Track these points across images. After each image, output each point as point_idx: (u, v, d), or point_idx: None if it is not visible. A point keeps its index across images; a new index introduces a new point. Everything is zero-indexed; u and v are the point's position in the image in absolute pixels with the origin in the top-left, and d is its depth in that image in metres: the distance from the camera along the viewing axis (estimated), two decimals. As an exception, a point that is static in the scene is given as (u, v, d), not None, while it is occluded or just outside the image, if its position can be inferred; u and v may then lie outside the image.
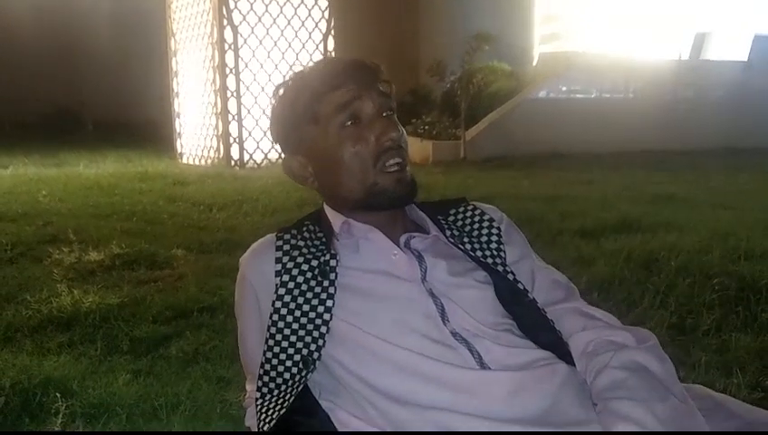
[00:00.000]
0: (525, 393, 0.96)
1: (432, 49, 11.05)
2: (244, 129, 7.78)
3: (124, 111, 10.88)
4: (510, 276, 1.12)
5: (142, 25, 10.51)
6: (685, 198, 5.32)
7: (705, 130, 8.97)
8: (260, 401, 1.04)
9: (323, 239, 1.11)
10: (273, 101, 1.16)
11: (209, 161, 8.05)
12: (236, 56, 7.69)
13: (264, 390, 1.04)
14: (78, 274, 3.16)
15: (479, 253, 1.14)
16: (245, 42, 7.75)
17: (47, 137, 9.73)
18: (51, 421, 1.77)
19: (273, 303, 1.05)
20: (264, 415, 1.02)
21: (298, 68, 1.16)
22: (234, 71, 7.72)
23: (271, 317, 1.04)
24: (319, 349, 1.02)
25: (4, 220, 4.29)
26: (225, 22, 7.63)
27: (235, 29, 7.67)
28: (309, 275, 1.06)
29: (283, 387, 1.03)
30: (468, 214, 1.21)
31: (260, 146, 7.89)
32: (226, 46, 7.65)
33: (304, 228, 1.14)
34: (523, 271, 1.16)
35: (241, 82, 7.73)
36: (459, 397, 0.96)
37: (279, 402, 1.02)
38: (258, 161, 7.83)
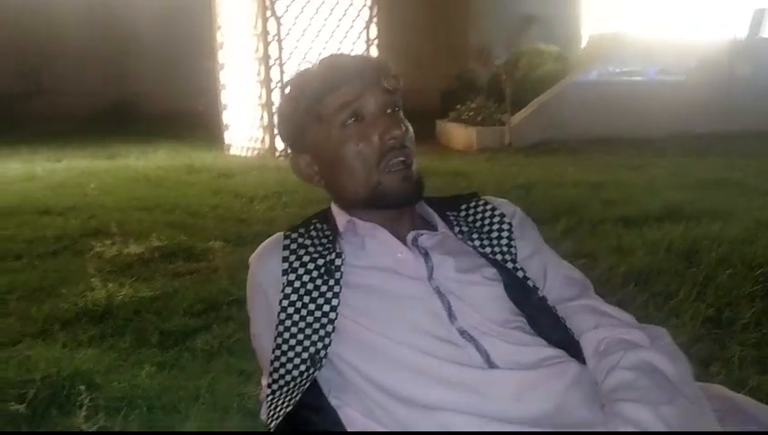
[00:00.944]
0: (532, 393, 0.96)
1: (480, 33, 10.90)
2: (288, 119, 7.84)
3: (177, 104, 11.10)
4: (520, 273, 1.11)
5: (192, 18, 10.68)
6: (735, 184, 5.12)
7: (763, 112, 8.56)
8: (270, 398, 1.06)
9: (330, 238, 1.12)
10: (280, 100, 1.17)
11: (255, 153, 8.15)
12: (280, 47, 7.75)
13: (275, 386, 1.06)
14: (117, 267, 3.26)
15: (488, 249, 1.13)
16: (289, 32, 7.80)
17: (103, 129, 10.02)
18: (75, 414, 1.84)
19: (281, 301, 1.06)
20: (272, 411, 1.04)
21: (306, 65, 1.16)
22: (278, 62, 7.79)
23: (278, 316, 1.05)
24: (325, 347, 1.02)
25: (51, 214, 4.44)
26: (269, 13, 7.68)
27: (278, 20, 7.72)
28: (315, 274, 1.06)
29: (292, 384, 1.04)
30: (480, 209, 1.20)
31: (304, 136, 7.94)
32: (270, 37, 7.71)
33: (312, 227, 1.15)
34: (534, 267, 1.14)
35: (285, 74, 7.78)
36: (465, 396, 0.95)
37: (287, 399, 1.03)
38: (302, 151, 7.89)
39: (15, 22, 12.15)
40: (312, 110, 1.09)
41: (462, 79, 10.88)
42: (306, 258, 1.08)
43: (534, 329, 1.06)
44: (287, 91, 1.14)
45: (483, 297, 1.06)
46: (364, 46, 8.15)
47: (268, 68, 7.74)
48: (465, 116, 8.81)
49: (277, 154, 7.82)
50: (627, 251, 3.38)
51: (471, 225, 1.17)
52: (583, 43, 11.12)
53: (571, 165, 6.60)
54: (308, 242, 1.11)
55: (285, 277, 1.07)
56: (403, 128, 1.07)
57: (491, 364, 0.99)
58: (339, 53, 1.20)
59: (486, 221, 1.17)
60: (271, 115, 7.83)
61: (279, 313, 1.05)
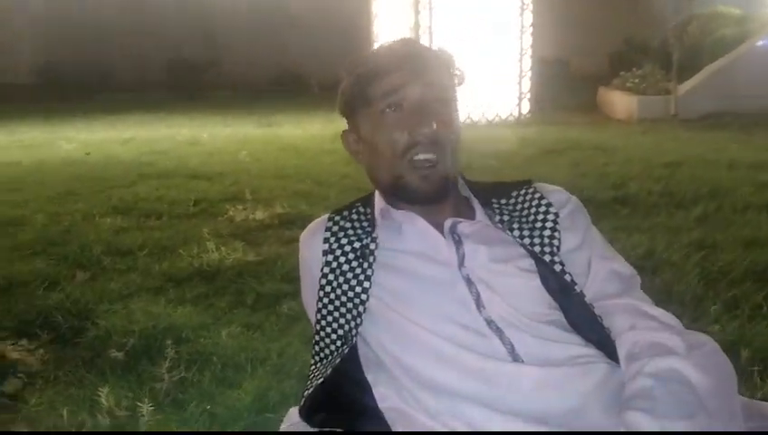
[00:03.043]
0: (550, 391, 0.95)
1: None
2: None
3: (336, 74, 11.55)
4: (557, 266, 1.08)
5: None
6: None
7: None
8: (312, 368, 1.16)
9: (370, 221, 1.17)
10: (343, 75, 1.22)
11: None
12: (431, 16, 7.75)
13: (317, 358, 1.16)
14: (239, 231, 3.54)
15: (527, 240, 1.10)
16: (441, 1, 7.77)
17: (271, 98, 10.65)
18: (161, 365, 2.07)
19: (320, 280, 1.13)
20: (309, 382, 1.14)
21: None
22: (429, 30, 7.80)
23: (318, 294, 1.13)
24: (357, 326, 1.09)
25: (200, 178, 4.88)
26: (422, -18, 7.72)
27: (430, -11, 7.73)
28: (351, 256, 1.13)
29: (330, 358, 1.13)
30: (528, 197, 1.17)
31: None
32: (421, 7, 7.73)
33: (354, 210, 1.20)
34: (578, 261, 1.10)
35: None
36: (483, 387, 0.97)
37: (321, 371, 1.13)
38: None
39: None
40: (361, 92, 1.12)
41: (630, 43, 10.15)
42: (344, 241, 1.14)
43: (570, 325, 1.04)
44: (350, 68, 1.17)
45: (515, 288, 1.05)
46: (518, 11, 7.93)
47: (418, 38, 7.78)
48: (630, 83, 8.26)
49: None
50: (760, 244, 3.07)
51: (516, 213, 1.15)
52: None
53: (738, 141, 5.99)
54: (348, 225, 1.17)
55: (325, 258, 1.14)
56: (434, 126, 1.06)
57: (515, 357, 0.98)
58: (407, 38, 1.21)
59: (532, 211, 1.14)
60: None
61: (318, 291, 1.13)
